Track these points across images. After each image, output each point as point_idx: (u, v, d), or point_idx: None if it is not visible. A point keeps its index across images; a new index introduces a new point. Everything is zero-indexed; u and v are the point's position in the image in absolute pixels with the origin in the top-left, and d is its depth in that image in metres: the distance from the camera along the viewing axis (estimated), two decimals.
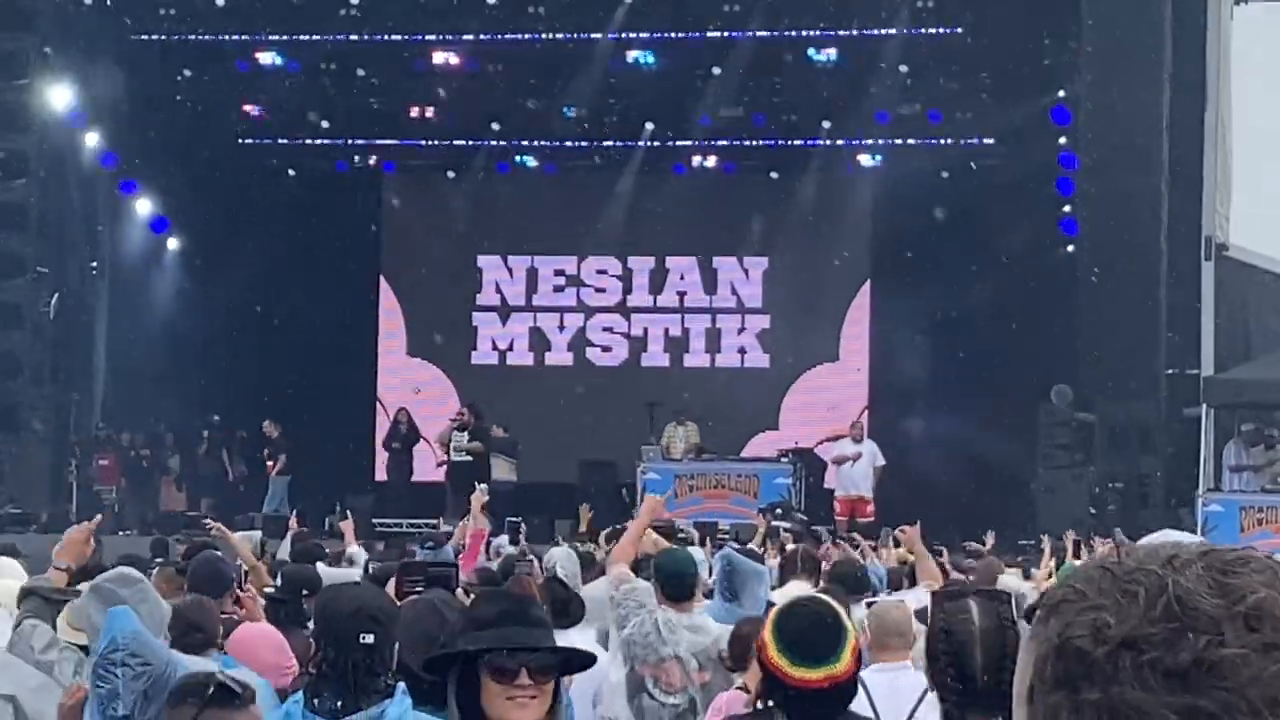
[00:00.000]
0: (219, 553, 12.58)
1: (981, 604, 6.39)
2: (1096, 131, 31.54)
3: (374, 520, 30.20)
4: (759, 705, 6.78)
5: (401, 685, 6.85)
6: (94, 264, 37.46)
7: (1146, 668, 1.89)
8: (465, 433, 34.05)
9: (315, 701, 6.73)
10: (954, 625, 6.18)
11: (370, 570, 14.12)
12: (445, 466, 34.28)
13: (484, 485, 21.78)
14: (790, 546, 20.15)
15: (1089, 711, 1.90)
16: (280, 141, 39.91)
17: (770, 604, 10.24)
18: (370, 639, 6.84)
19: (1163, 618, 1.91)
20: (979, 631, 6.14)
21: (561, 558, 14.94)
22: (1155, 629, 1.91)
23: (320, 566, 15.57)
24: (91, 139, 36.34)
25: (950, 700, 6.10)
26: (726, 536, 26.98)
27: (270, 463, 35.26)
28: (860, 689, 7.18)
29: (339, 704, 6.65)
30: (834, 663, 6.61)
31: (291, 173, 40.07)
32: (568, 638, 11.56)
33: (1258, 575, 1.95)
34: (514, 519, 29.07)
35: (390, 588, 8.34)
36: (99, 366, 37.63)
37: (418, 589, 9.39)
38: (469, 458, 33.74)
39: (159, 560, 17.39)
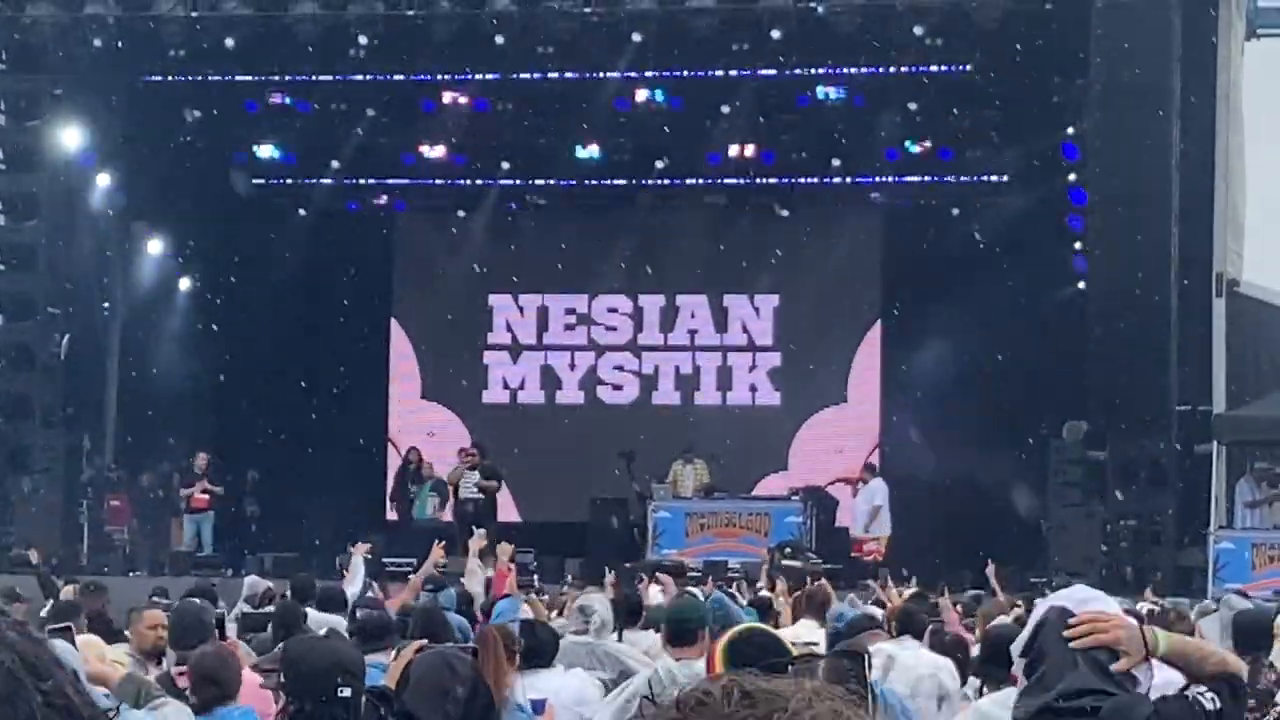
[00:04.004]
0: (204, 600, 12.55)
1: (830, 663, 6.42)
2: (1106, 168, 31.48)
3: (384, 560, 30.10)
4: None
5: None
6: (105, 304, 37.35)
7: None
8: (476, 471, 34.04)
9: None
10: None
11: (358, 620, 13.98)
12: (453, 505, 34.20)
13: (482, 530, 21.77)
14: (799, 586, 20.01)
15: None
16: (290, 181, 39.88)
17: None
18: (348, 693, 6.86)
19: None
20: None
21: (599, 602, 14.73)
22: None
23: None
24: (103, 179, 36.27)
25: None
26: (736, 575, 26.94)
27: (193, 495, 34.90)
28: None
29: None
30: None
31: (302, 213, 40.00)
32: (544, 678, 11.50)
33: None
34: (525, 552, 28.86)
35: (403, 664, 8.25)
36: (110, 407, 37.50)
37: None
38: (480, 495, 33.70)
39: (155, 599, 17.32)
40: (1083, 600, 6.61)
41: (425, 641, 9.17)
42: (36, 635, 1.57)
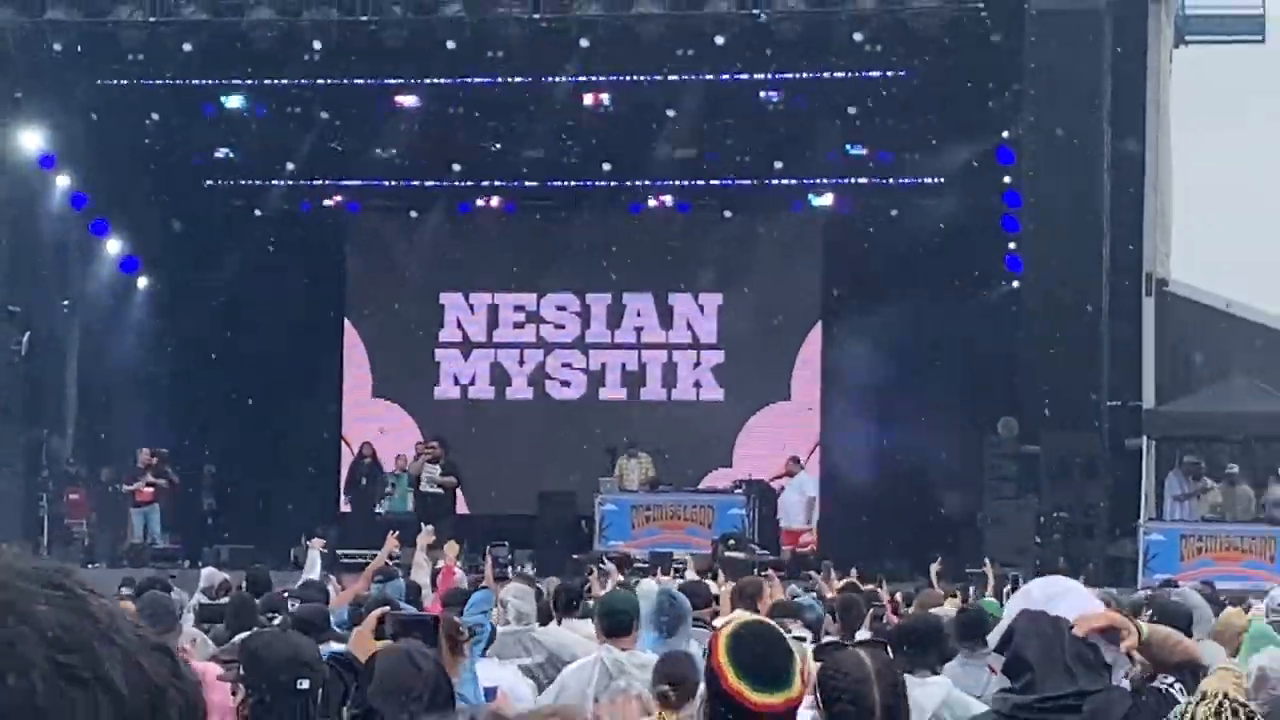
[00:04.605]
0: (169, 591, 12.54)
1: (869, 651, 6.58)
2: (1039, 171, 31.62)
3: (338, 551, 30.08)
4: None
5: None
6: (65, 303, 37.36)
7: None
8: (437, 465, 34.10)
9: None
10: (849, 668, 6.28)
11: (296, 611, 13.97)
12: (413, 497, 34.23)
13: (430, 527, 21.81)
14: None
15: None
16: (245, 183, 39.85)
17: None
18: (305, 684, 6.93)
19: None
20: (873, 673, 6.25)
21: (516, 593, 14.84)
22: None
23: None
24: (62, 181, 36.32)
25: None
26: (681, 567, 26.97)
27: (138, 489, 34.93)
28: None
29: None
30: (790, 687, 6.65)
31: (257, 213, 39.99)
32: (483, 667, 11.56)
33: None
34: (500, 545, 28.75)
35: (368, 630, 8.29)
36: (70, 403, 37.52)
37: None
38: (440, 490, 33.81)
39: (124, 589, 17.30)
40: (1059, 592, 6.76)
41: (388, 609, 9.24)
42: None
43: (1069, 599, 6.74)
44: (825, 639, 12.23)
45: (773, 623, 7.70)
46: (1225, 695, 5.41)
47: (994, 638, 7.08)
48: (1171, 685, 6.40)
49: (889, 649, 7.49)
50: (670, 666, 9.58)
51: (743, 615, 8.71)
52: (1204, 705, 5.40)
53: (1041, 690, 6.48)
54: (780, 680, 6.62)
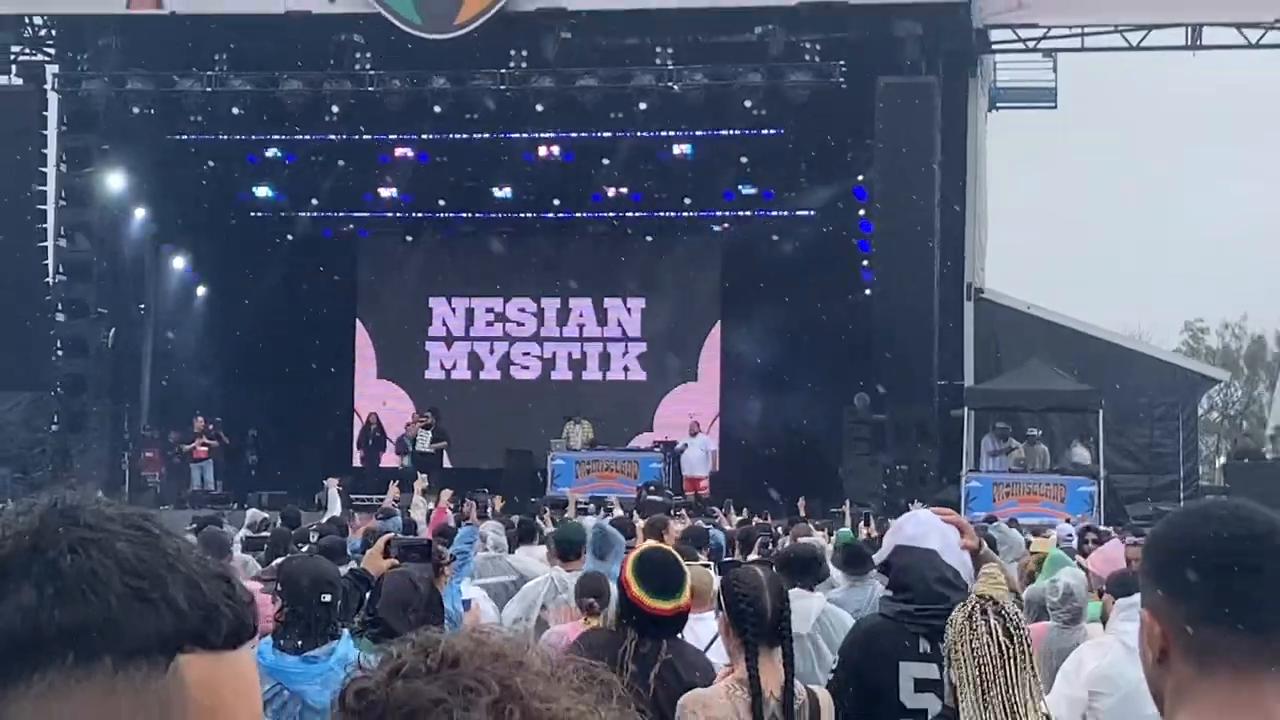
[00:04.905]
0: (222, 527, 12.53)
1: (761, 567, 6.66)
2: (886, 206, 31.70)
3: (352, 496, 30.02)
4: (617, 626, 6.85)
5: (347, 630, 6.90)
6: (141, 306, 37.30)
7: None
8: (430, 431, 34.22)
9: (281, 642, 6.73)
10: (749, 582, 6.31)
11: (319, 541, 13.95)
12: (410, 455, 34.28)
13: (424, 475, 21.82)
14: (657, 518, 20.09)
15: None
16: (280, 214, 39.71)
17: None
18: (327, 598, 6.94)
19: None
20: (765, 583, 6.28)
21: (492, 528, 14.89)
22: None
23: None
24: (139, 212, 36.29)
25: (749, 634, 6.15)
26: (613, 507, 26.99)
27: (194, 448, 34.99)
28: None
29: (300, 643, 6.65)
30: (679, 597, 6.71)
31: (289, 238, 39.83)
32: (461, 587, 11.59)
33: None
34: (480, 492, 28.75)
35: (378, 551, 8.31)
36: (145, 383, 37.38)
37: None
38: (432, 450, 33.92)
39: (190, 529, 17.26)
40: (924, 532, 6.87)
41: (393, 534, 9.26)
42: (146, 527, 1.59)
43: (931, 534, 6.83)
44: (725, 561, 12.27)
45: (669, 549, 7.74)
46: (980, 596, 5.39)
47: (878, 558, 7.16)
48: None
49: (774, 570, 7.54)
50: (590, 583, 9.64)
51: (650, 544, 8.73)
52: (961, 608, 5.39)
53: (919, 602, 6.56)
54: (672, 591, 6.72)
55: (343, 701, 1.60)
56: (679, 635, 6.87)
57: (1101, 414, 31.88)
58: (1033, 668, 5.10)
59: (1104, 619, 9.34)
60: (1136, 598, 8.29)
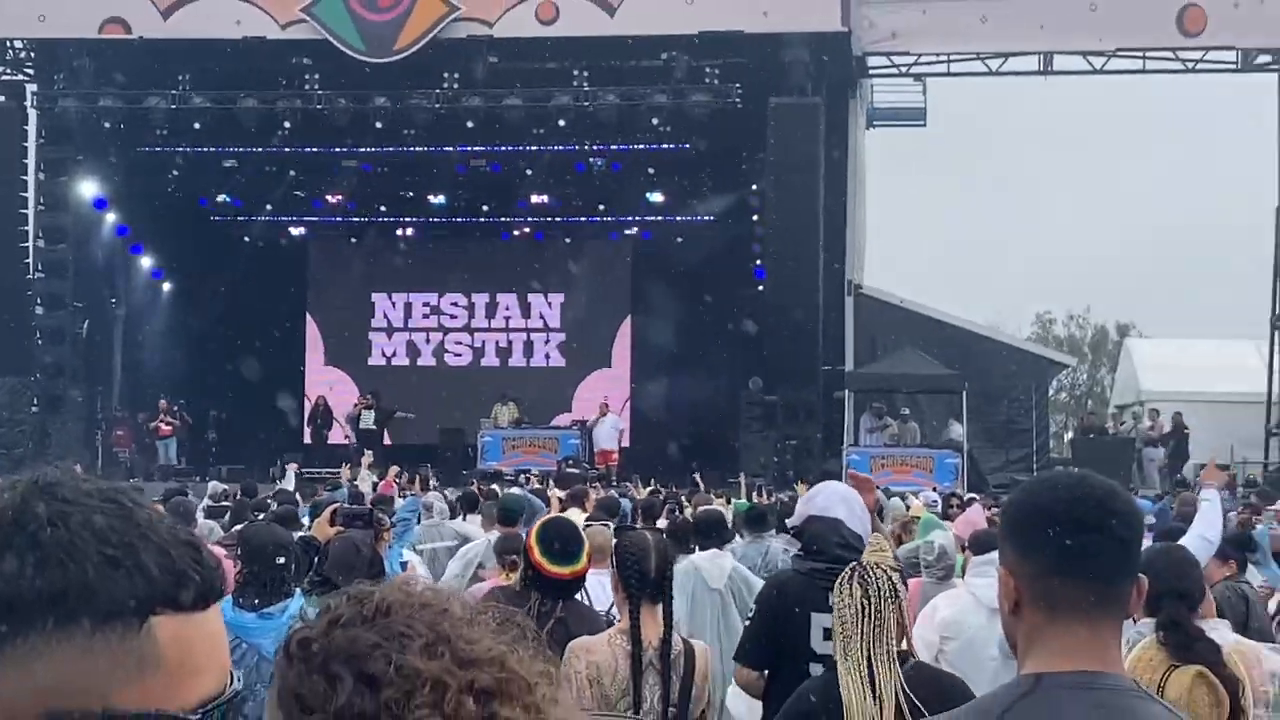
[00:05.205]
0: (187, 497, 12.43)
1: (650, 532, 6.74)
2: (777, 212, 31.74)
3: (302, 469, 29.86)
4: (520, 587, 6.90)
5: (299, 590, 6.87)
6: (113, 300, 36.97)
7: None
8: (372, 411, 34.05)
9: (240, 600, 6.70)
10: (638, 545, 6.37)
11: (274, 510, 13.89)
12: (355, 434, 34.12)
13: (371, 451, 21.73)
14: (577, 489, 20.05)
15: None
16: (238, 219, 39.38)
17: None
18: (282, 561, 6.91)
19: None
20: (652, 547, 6.33)
21: (436, 498, 14.87)
22: None
23: None
24: (110, 217, 35.98)
25: (633, 590, 6.21)
26: (536, 479, 26.96)
27: (160, 426, 34.83)
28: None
29: (257, 601, 6.63)
30: (577, 562, 6.75)
31: (246, 240, 39.50)
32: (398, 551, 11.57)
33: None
34: (424, 466, 28.62)
35: (325, 520, 8.27)
36: (116, 369, 37.05)
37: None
38: (375, 428, 33.78)
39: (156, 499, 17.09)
40: (835, 502, 6.97)
41: (339, 504, 9.22)
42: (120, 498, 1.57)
43: (838, 505, 6.92)
44: (621, 527, 12.27)
45: (569, 519, 7.77)
46: (860, 563, 5.44)
47: (792, 523, 7.24)
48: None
49: (690, 533, 7.56)
50: (505, 544, 9.68)
51: (552, 514, 8.72)
52: (843, 574, 5.45)
53: (827, 561, 6.65)
54: (570, 558, 6.75)
55: (287, 650, 1.58)
56: (576, 596, 6.93)
57: (965, 395, 32.14)
58: (899, 625, 5.15)
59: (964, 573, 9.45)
60: (989, 555, 8.42)
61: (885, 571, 5.21)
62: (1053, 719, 2.68)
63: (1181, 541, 8.44)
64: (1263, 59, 33.74)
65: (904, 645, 5.21)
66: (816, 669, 6.35)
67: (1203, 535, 8.69)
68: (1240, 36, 32.30)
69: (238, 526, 11.10)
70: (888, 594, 5.08)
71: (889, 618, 5.04)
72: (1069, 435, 41.13)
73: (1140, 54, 33.40)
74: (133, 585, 1.45)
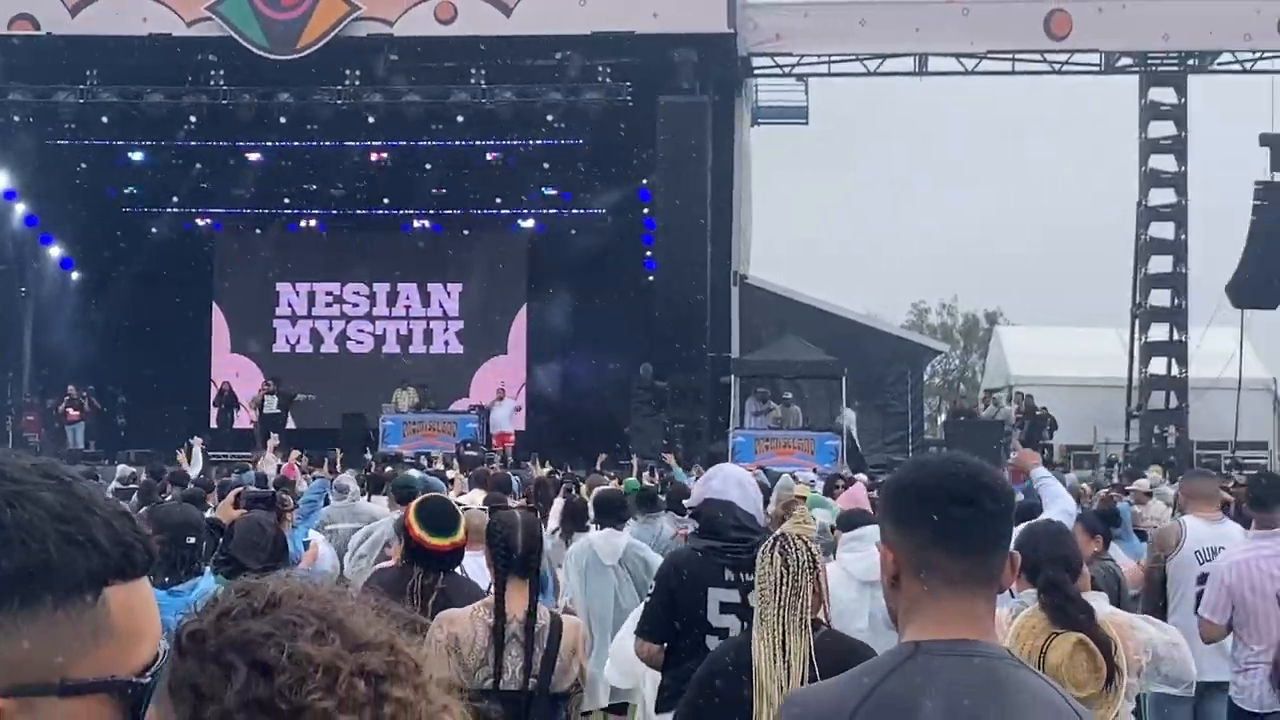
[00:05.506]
0: (96, 480, 12.28)
1: (521, 510, 6.81)
2: (666, 205, 31.87)
3: (209, 452, 29.54)
4: (402, 564, 6.93)
5: (209, 568, 6.83)
6: (23, 289, 36.44)
7: None
8: (274, 397, 33.74)
9: (151, 577, 6.63)
10: (507, 522, 6.42)
11: (190, 488, 13.79)
12: (258, 418, 33.83)
13: (277, 435, 21.55)
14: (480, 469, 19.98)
15: None
16: (146, 210, 38.86)
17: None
18: (191, 540, 6.86)
19: None
20: (519, 524, 6.37)
21: (349, 479, 14.79)
22: None
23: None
24: (20, 208, 35.43)
25: (500, 565, 6.28)
26: (436, 461, 26.88)
27: (69, 411, 34.48)
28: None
29: (166, 579, 6.58)
30: (454, 535, 6.80)
31: (154, 231, 38.97)
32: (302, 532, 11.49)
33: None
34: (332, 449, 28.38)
35: (229, 503, 8.21)
36: (26, 356, 36.55)
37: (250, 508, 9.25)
38: (277, 411, 33.50)
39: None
40: (730, 485, 7.03)
41: (243, 488, 9.15)
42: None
43: (731, 488, 7.00)
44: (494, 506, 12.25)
45: (446, 497, 7.79)
46: (783, 534, 5.48)
47: (689, 504, 7.30)
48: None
49: (586, 513, 7.56)
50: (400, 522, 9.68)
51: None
52: (769, 541, 5.50)
53: (723, 541, 6.74)
54: (447, 531, 6.81)
55: (179, 643, 1.57)
56: (456, 569, 6.97)
57: (844, 380, 32.43)
58: (815, 595, 5.21)
59: None
60: (859, 530, 8.51)
61: (805, 543, 5.28)
62: (929, 683, 2.72)
63: (1047, 517, 8.62)
64: (1124, 61, 34.29)
65: (819, 614, 5.28)
66: (713, 641, 6.43)
67: (1065, 510, 8.87)
68: (1103, 40, 32.83)
69: (145, 508, 10.97)
70: (806, 565, 5.15)
71: (806, 587, 5.10)
72: (942, 418, 41.61)
73: (1010, 56, 33.82)
74: (89, 560, 1.45)
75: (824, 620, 5.39)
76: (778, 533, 5.41)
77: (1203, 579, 9.61)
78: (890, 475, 3.12)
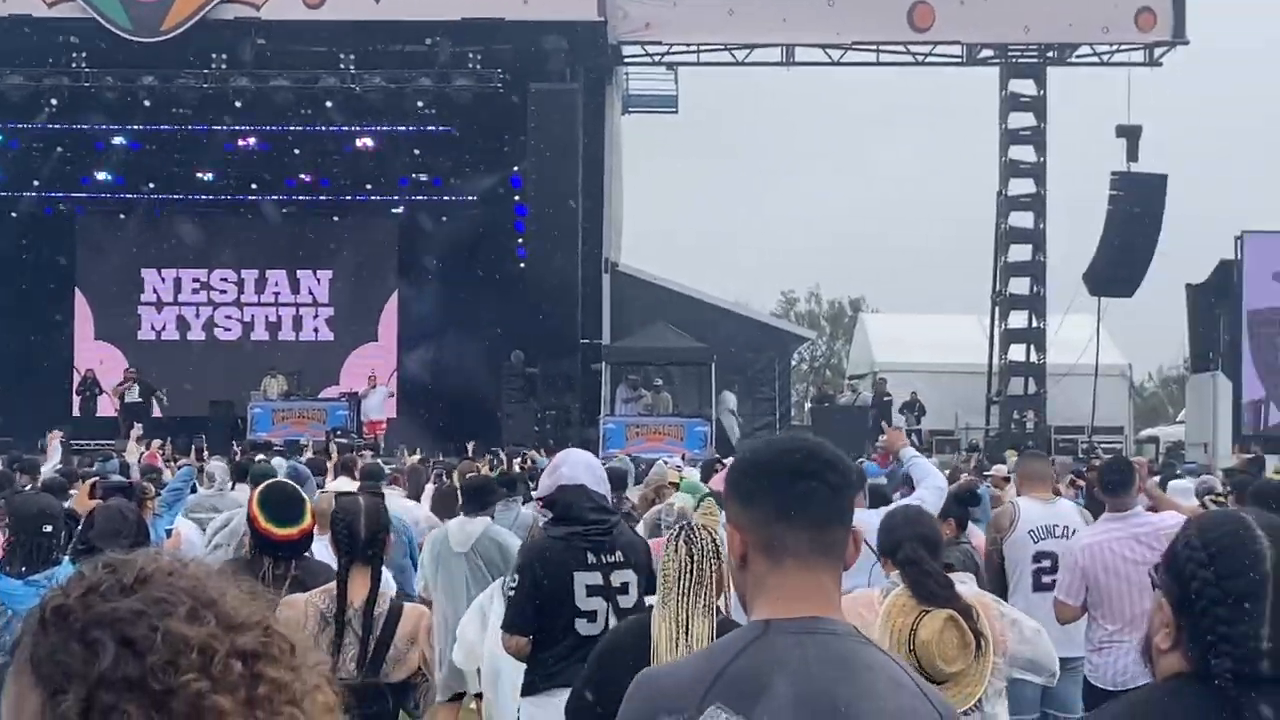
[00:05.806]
0: None
1: (366, 497, 6.83)
2: (537, 192, 31.78)
3: (71, 441, 28.97)
4: (251, 555, 6.90)
5: (68, 557, 6.74)
6: None
7: None
8: (137, 385, 33.25)
9: (7, 568, 6.54)
10: (349, 509, 6.43)
11: (43, 480, 13.53)
12: (121, 406, 33.30)
13: (140, 424, 21.25)
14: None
15: None
16: (6, 194, 38.00)
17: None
18: (49, 529, 6.77)
19: None
20: (363, 510, 6.39)
21: (218, 467, 14.59)
22: None
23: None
24: None
25: (342, 551, 6.32)
26: (305, 449, 26.63)
27: None
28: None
29: (23, 569, 6.47)
30: (301, 523, 6.79)
31: (13, 215, 38.13)
32: (168, 520, 11.32)
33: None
34: (199, 435, 28.02)
35: (84, 493, 8.08)
36: None
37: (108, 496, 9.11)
38: (140, 400, 33.01)
39: None
40: (580, 471, 7.09)
41: (98, 478, 9.02)
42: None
43: (582, 473, 7.04)
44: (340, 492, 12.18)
45: (288, 483, 7.74)
46: (688, 524, 5.51)
47: (540, 494, 7.33)
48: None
49: (455, 500, 7.55)
50: None
51: (270, 481, 8.54)
52: (675, 530, 5.54)
53: (583, 525, 6.80)
54: (293, 519, 6.79)
55: (42, 619, 1.55)
56: (307, 554, 6.94)
57: (714, 367, 32.63)
58: (718, 583, 5.27)
59: None
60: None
61: (709, 533, 5.35)
62: (779, 661, 2.77)
63: (919, 494, 8.78)
64: (986, 53, 34.81)
65: (720, 601, 5.35)
66: (582, 624, 6.50)
67: (937, 485, 9.04)
68: (965, 32, 33.31)
69: (3, 495, 10.76)
70: (710, 553, 5.21)
71: (709, 574, 5.17)
72: (809, 405, 42.03)
73: (874, 47, 34.19)
74: None
75: (723, 609, 5.47)
76: (684, 523, 5.47)
77: (1038, 557, 9.86)
78: (735, 456, 3.18)
